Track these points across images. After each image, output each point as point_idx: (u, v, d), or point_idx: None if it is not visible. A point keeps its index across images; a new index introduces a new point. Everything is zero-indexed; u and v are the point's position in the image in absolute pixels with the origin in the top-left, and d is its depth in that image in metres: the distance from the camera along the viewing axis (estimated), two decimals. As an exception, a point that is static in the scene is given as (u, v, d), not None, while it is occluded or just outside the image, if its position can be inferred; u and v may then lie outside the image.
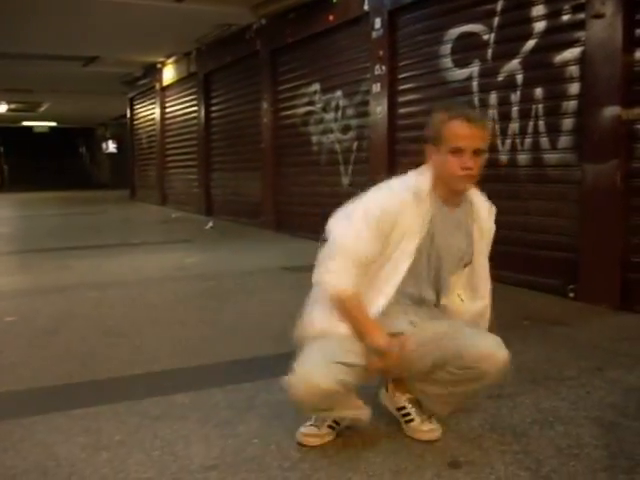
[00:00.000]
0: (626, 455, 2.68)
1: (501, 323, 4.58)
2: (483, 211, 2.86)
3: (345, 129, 9.24)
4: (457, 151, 2.61)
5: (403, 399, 2.89)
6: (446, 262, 2.80)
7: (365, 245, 2.63)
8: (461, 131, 2.60)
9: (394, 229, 2.65)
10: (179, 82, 15.84)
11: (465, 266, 2.88)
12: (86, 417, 3.13)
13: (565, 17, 5.67)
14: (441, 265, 2.80)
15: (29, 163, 35.33)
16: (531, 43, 5.97)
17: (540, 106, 5.93)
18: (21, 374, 3.83)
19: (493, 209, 2.91)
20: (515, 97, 6.19)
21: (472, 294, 2.92)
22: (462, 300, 2.92)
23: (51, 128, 33.97)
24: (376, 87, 8.21)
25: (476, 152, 2.62)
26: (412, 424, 2.84)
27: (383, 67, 8.05)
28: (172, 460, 2.68)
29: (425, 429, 2.82)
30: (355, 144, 9.03)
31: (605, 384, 3.51)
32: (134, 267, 7.72)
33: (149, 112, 18.55)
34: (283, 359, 4.06)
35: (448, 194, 2.74)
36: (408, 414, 2.86)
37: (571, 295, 5.53)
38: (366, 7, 8.31)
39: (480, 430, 2.93)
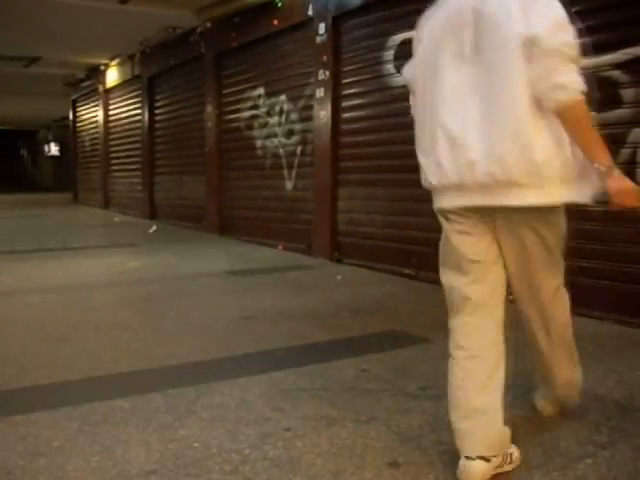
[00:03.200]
0: (560, 453, 2.76)
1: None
2: None
3: (289, 133, 9.25)
4: None
5: None
6: None
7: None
8: None
9: None
10: (123, 84, 15.67)
11: None
12: (24, 423, 3.09)
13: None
14: None
15: (-33, 165, 34.65)
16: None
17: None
18: (-43, 381, 3.75)
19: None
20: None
21: None
22: None
23: (-9, 130, 33.34)
24: (320, 92, 8.25)
25: None
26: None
27: (327, 72, 8.10)
28: (111, 465, 2.66)
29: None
30: (299, 148, 9.04)
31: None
32: (76, 271, 7.61)
33: (92, 114, 18.31)
34: (224, 363, 4.12)
35: None
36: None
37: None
38: (310, 12, 8.35)
39: (419, 430, 2.98)
